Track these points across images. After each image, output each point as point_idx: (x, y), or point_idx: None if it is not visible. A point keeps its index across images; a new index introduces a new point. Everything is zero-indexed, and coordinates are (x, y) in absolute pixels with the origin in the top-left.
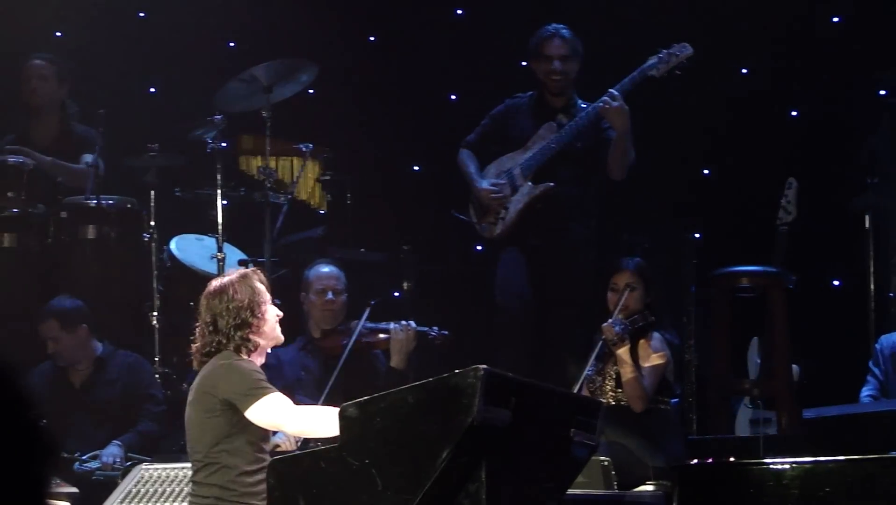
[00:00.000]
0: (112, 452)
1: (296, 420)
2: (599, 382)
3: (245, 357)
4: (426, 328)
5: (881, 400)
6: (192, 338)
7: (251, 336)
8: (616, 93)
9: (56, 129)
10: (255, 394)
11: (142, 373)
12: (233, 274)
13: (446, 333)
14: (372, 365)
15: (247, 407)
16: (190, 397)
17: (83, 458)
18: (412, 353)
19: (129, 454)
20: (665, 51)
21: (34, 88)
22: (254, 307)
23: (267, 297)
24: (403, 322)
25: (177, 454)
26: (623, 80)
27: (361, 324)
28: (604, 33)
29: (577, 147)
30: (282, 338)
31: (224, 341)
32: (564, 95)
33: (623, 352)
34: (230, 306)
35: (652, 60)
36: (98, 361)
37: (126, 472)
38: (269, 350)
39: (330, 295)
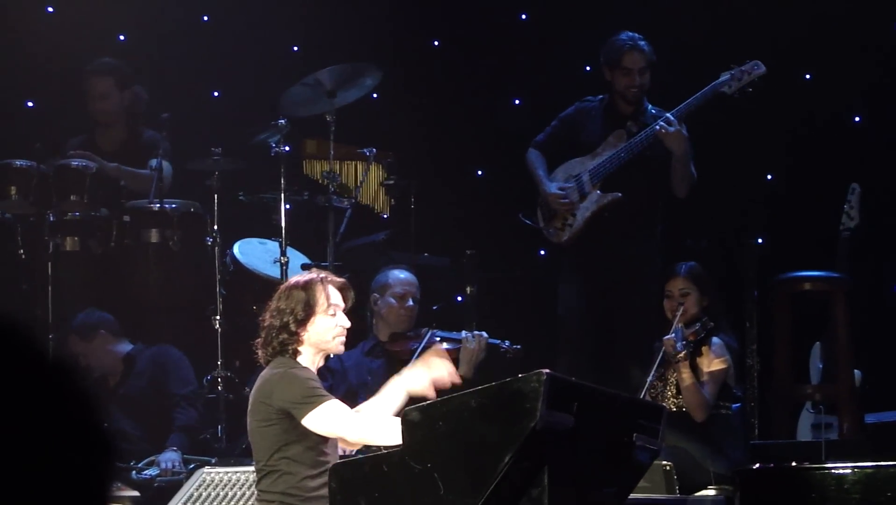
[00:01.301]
0: (169, 457)
1: (356, 427)
2: (661, 389)
3: (298, 363)
4: (498, 341)
5: None
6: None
7: (290, 343)
8: (672, 118)
9: (124, 134)
10: (312, 402)
11: (167, 359)
12: (303, 276)
13: (518, 347)
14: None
15: (303, 415)
16: (249, 406)
17: (139, 465)
18: (481, 363)
19: (186, 456)
20: (738, 68)
21: (97, 109)
22: (298, 315)
23: (324, 307)
24: (476, 332)
25: (239, 458)
26: (688, 100)
27: (432, 331)
28: (667, 39)
29: (646, 156)
30: (339, 349)
31: (268, 339)
32: (638, 103)
33: (682, 366)
34: (280, 307)
35: (724, 77)
36: (127, 359)
37: (189, 474)
38: (324, 357)
39: (411, 302)
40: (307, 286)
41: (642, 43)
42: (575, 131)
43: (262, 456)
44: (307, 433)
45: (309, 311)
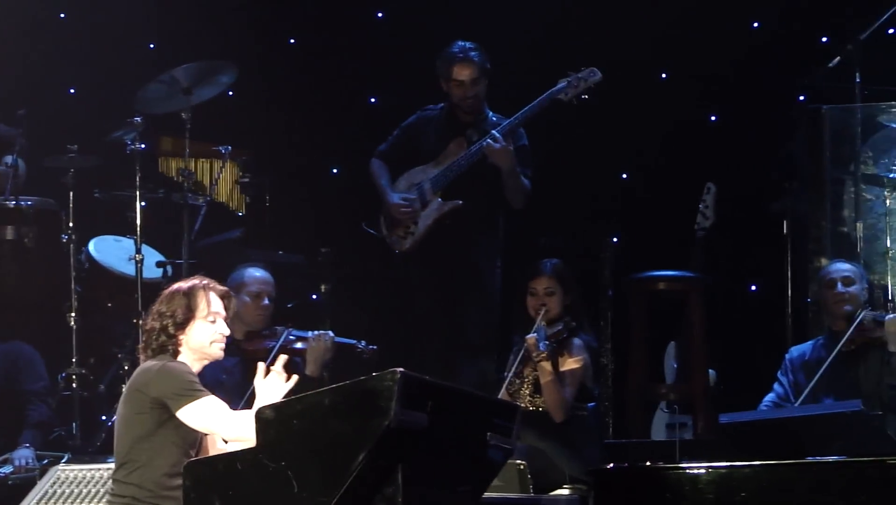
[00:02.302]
0: (23, 454)
1: (232, 425)
2: (518, 385)
3: (177, 359)
4: (354, 341)
5: (796, 406)
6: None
7: (169, 346)
8: (497, 135)
9: None
10: (189, 395)
11: (18, 356)
12: (187, 281)
13: (374, 347)
14: (292, 372)
15: (179, 407)
16: (123, 395)
17: None
18: (328, 362)
19: (39, 452)
20: (574, 75)
21: None
22: (178, 319)
23: (203, 312)
24: (321, 332)
25: (93, 455)
26: (522, 110)
27: (287, 330)
28: (519, 43)
29: (487, 163)
30: (217, 355)
31: (148, 342)
32: (476, 111)
33: (544, 365)
34: (160, 310)
35: (561, 84)
36: None
37: (43, 472)
38: (203, 363)
39: (266, 301)
40: (189, 292)
41: (473, 53)
42: (417, 140)
43: (124, 445)
44: (178, 428)
45: (189, 315)
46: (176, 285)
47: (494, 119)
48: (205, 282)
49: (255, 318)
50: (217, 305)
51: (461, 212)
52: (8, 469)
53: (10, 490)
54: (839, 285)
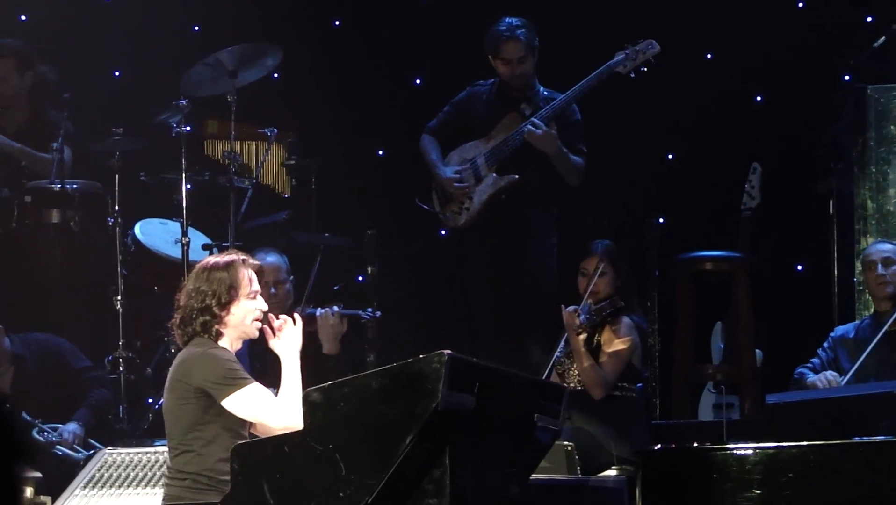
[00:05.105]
0: (72, 428)
1: (277, 412)
2: (567, 365)
3: (217, 344)
4: (359, 311)
5: (845, 386)
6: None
7: (213, 325)
8: (537, 121)
9: (25, 114)
10: (233, 384)
11: (59, 352)
12: (222, 257)
13: (378, 314)
14: (314, 349)
15: (224, 396)
16: (166, 384)
17: (44, 426)
18: (341, 336)
19: (90, 441)
20: (632, 47)
21: None
22: (222, 297)
23: (246, 290)
24: (326, 308)
25: (140, 439)
26: (569, 91)
27: (307, 309)
28: (570, 22)
29: None
30: (254, 334)
31: (186, 322)
32: (526, 88)
33: (579, 341)
34: (200, 288)
35: (619, 57)
36: (16, 359)
37: (89, 458)
38: (241, 341)
39: (272, 290)
40: (229, 268)
41: (520, 31)
42: (467, 116)
43: (176, 434)
44: (224, 414)
45: (233, 293)
46: (213, 260)
47: (546, 94)
48: (242, 257)
49: (271, 307)
50: (255, 280)
51: (516, 187)
52: (55, 437)
53: (54, 468)
54: (879, 267)
